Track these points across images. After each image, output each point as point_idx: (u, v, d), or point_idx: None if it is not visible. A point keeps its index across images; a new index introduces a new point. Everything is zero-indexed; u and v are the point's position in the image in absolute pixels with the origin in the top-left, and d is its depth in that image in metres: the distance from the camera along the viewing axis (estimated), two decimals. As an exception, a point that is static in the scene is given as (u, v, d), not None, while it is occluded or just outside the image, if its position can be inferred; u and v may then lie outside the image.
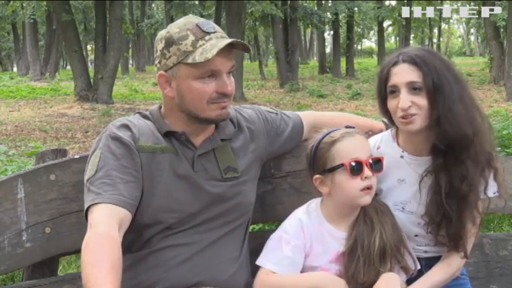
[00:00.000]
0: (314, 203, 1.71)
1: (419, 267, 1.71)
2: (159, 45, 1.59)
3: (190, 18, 1.60)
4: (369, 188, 1.59)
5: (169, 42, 1.56)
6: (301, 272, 1.64)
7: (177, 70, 1.56)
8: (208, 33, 1.56)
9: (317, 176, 1.64)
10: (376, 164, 1.62)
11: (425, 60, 1.57)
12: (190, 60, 1.53)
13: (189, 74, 1.55)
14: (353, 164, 1.57)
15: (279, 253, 1.63)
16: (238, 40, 1.57)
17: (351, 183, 1.58)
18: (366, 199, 1.60)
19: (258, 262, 1.65)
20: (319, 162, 1.63)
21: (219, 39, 1.55)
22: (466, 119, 1.56)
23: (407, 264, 1.67)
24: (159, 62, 1.59)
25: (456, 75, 1.60)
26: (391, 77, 1.61)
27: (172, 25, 1.61)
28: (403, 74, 1.58)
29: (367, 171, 1.58)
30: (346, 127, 1.67)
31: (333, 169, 1.60)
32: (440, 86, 1.55)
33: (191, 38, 1.54)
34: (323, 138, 1.64)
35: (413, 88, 1.57)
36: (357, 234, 1.62)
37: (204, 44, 1.54)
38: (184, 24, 1.57)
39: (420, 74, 1.56)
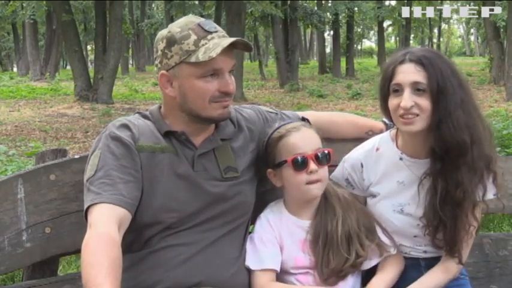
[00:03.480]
0: (275, 201, 1.77)
1: (394, 252, 1.70)
2: (160, 45, 1.59)
3: (191, 18, 1.61)
4: (317, 181, 1.62)
5: (171, 42, 1.56)
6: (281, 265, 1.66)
7: (179, 69, 1.56)
8: (210, 32, 1.56)
9: (270, 170, 1.70)
10: (324, 156, 1.64)
11: (432, 63, 1.56)
12: (193, 59, 1.53)
13: (191, 73, 1.55)
14: (296, 159, 1.62)
15: (256, 252, 1.67)
16: (242, 39, 1.57)
17: (297, 178, 1.63)
18: (315, 192, 1.64)
19: (246, 265, 1.66)
20: (270, 157, 1.68)
21: (222, 38, 1.56)
22: (465, 126, 1.55)
23: (381, 242, 1.68)
24: (160, 62, 1.59)
25: (461, 80, 1.60)
26: (396, 75, 1.60)
27: (173, 25, 1.61)
28: (409, 74, 1.57)
29: (312, 165, 1.61)
30: (302, 119, 1.72)
31: (280, 164, 1.65)
32: (444, 89, 1.55)
33: (193, 37, 1.55)
34: (272, 133, 1.69)
35: (417, 89, 1.56)
36: (318, 221, 1.66)
37: (206, 43, 1.54)
38: (185, 23, 1.58)
39: (425, 76, 1.56)
